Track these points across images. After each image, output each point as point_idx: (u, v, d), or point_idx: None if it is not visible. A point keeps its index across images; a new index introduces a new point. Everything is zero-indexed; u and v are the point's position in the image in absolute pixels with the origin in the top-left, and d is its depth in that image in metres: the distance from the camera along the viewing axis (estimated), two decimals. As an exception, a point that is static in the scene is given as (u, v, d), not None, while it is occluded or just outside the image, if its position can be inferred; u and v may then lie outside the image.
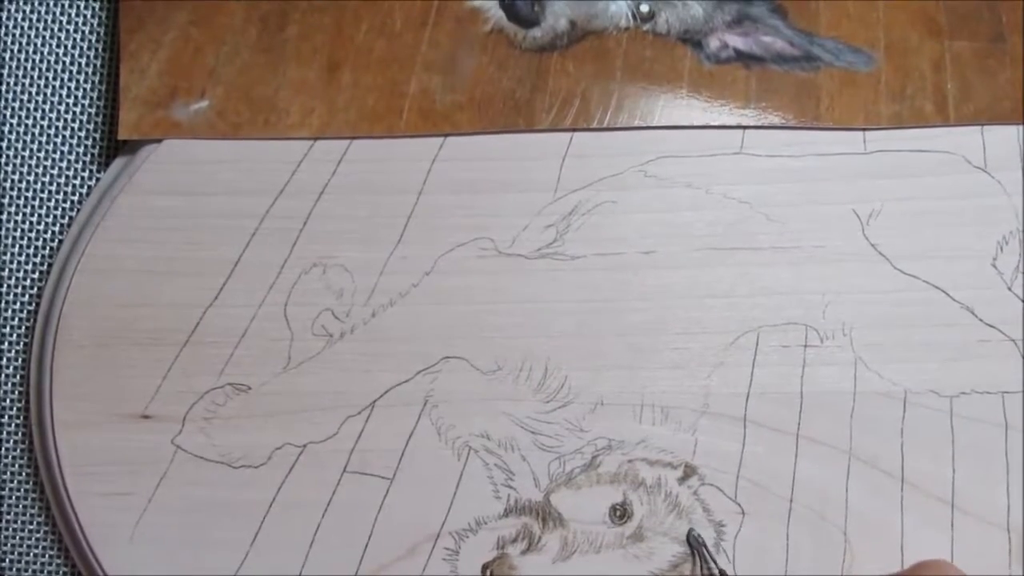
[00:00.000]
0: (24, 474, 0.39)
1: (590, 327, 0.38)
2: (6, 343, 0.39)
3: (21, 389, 0.39)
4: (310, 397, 0.38)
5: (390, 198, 0.38)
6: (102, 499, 0.37)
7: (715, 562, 0.37)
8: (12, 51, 0.40)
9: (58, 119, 0.40)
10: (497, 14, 0.38)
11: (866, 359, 0.38)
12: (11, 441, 0.39)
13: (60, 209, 0.40)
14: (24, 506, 0.39)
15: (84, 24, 0.40)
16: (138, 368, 0.37)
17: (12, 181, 0.40)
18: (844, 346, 0.38)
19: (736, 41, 0.38)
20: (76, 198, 0.40)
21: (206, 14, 0.38)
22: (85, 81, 0.40)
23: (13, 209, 0.40)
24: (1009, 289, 0.38)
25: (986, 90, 0.38)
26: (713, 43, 0.38)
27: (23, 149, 0.40)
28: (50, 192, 0.40)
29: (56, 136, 0.40)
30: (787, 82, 0.38)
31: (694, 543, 0.37)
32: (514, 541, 0.37)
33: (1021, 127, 0.38)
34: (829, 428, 0.38)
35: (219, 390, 0.38)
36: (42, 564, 0.39)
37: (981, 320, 0.38)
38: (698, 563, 0.37)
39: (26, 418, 0.39)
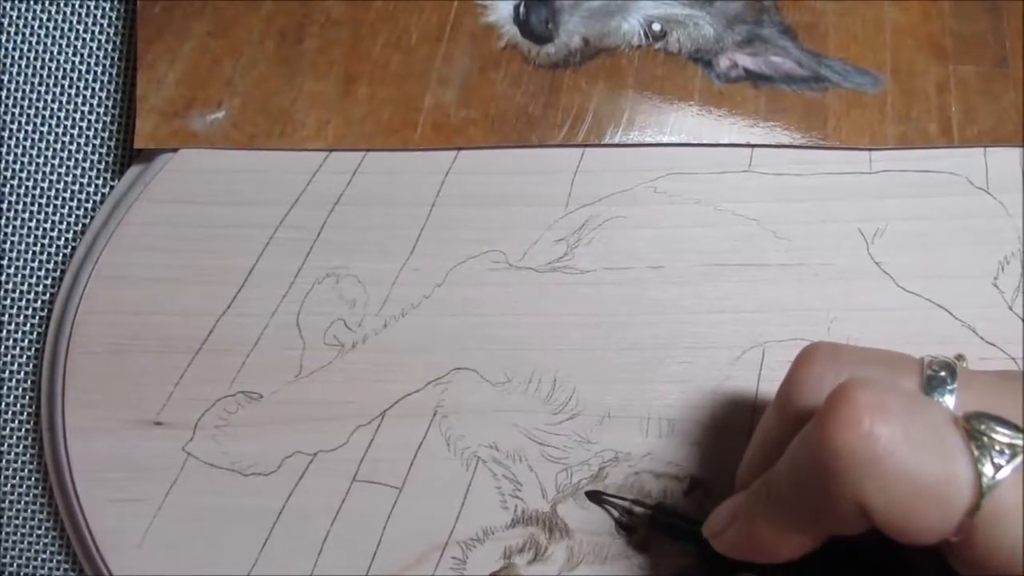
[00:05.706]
0: (33, 479, 0.39)
1: (599, 340, 0.38)
2: (18, 348, 0.40)
3: (32, 394, 0.39)
4: (321, 406, 0.38)
5: (403, 210, 0.38)
6: (112, 505, 0.37)
7: (625, 499, 0.37)
8: (29, 59, 0.40)
9: (73, 127, 0.40)
10: (511, 31, 0.39)
11: (869, 375, 0.38)
12: (21, 446, 0.39)
13: (74, 216, 0.40)
14: (33, 511, 0.39)
15: (101, 33, 0.40)
16: (150, 375, 0.38)
17: (27, 187, 0.40)
18: (848, 362, 0.38)
19: (746, 61, 0.39)
20: (90, 205, 0.40)
21: (224, 25, 0.38)
22: (101, 90, 0.40)
23: (27, 215, 0.40)
24: (1010, 308, 0.39)
25: (990, 113, 0.39)
26: (723, 62, 0.39)
27: (38, 156, 0.40)
28: (64, 199, 0.40)
29: (71, 143, 0.40)
30: (795, 102, 0.39)
31: (595, 500, 0.37)
32: (521, 551, 0.38)
33: (1023, 150, 0.39)
34: (833, 443, 0.38)
35: (231, 398, 0.38)
36: (50, 569, 0.39)
37: (982, 338, 0.38)
38: (616, 515, 0.37)
39: (36, 423, 0.39)
